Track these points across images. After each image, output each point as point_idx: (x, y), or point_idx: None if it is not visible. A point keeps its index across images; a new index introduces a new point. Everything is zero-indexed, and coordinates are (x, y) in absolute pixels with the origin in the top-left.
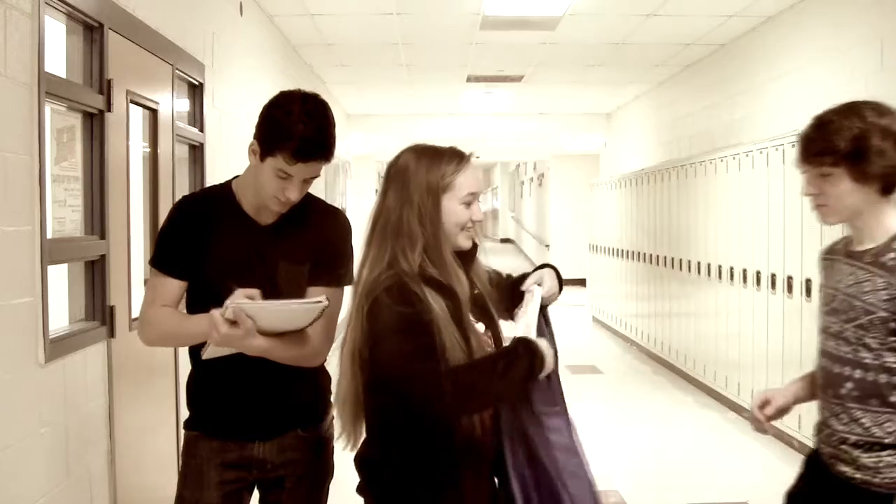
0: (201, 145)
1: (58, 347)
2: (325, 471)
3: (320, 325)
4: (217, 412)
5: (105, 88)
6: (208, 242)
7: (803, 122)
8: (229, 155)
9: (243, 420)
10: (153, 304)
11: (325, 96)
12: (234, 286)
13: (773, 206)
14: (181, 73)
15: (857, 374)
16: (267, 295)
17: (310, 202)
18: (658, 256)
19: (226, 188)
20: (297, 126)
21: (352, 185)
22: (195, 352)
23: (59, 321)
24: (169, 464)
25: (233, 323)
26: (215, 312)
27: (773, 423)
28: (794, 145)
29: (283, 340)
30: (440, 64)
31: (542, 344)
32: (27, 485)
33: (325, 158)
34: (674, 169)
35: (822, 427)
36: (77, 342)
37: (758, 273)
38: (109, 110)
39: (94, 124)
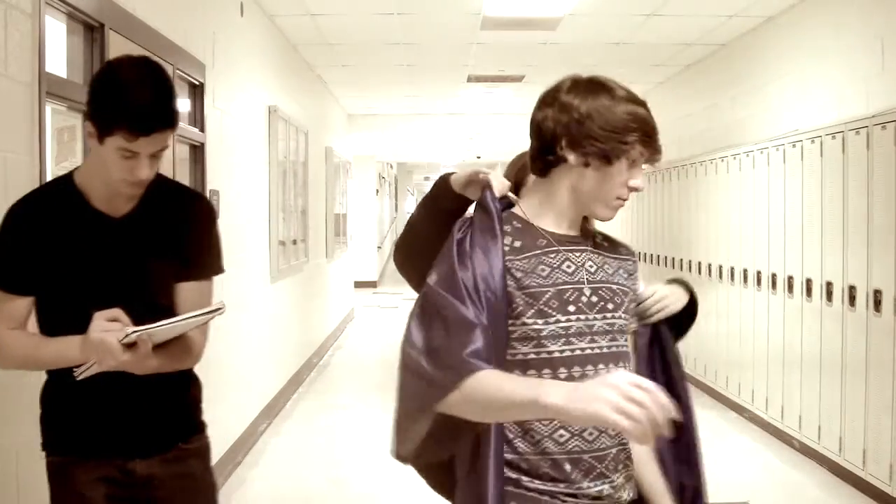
0: (202, 145)
1: None
2: (208, 483)
3: (199, 328)
4: (92, 431)
5: None
6: (57, 247)
7: (803, 122)
8: (230, 155)
9: (117, 437)
10: None
11: (325, 96)
12: (92, 310)
13: (773, 206)
14: (181, 73)
15: None
16: (135, 296)
17: (165, 186)
18: (658, 256)
19: (66, 183)
20: (130, 96)
21: (352, 184)
22: (59, 375)
23: None
24: None
25: (129, 346)
26: (111, 340)
27: (774, 423)
28: (794, 145)
29: (170, 352)
30: (441, 64)
31: None
32: (27, 485)
33: (170, 126)
34: (674, 169)
35: None
36: None
37: (758, 273)
38: None
39: None
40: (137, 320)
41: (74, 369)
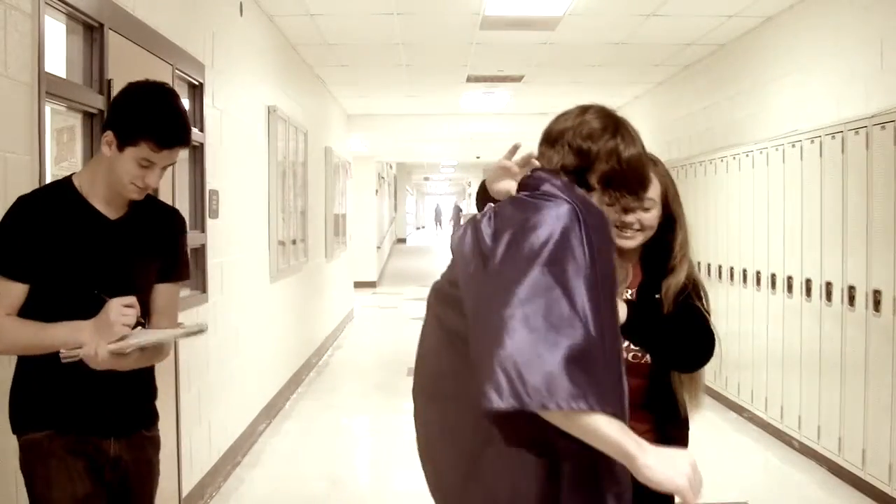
0: (201, 145)
1: None
2: (157, 473)
3: (169, 326)
4: (73, 408)
5: (105, 88)
6: (58, 239)
7: (803, 122)
8: (229, 155)
9: (99, 415)
10: None
11: (325, 96)
12: (105, 297)
13: (772, 206)
14: (181, 73)
15: None
16: (122, 291)
17: (150, 200)
18: None
19: (66, 185)
20: (161, 116)
21: (352, 184)
22: (43, 356)
23: None
24: (169, 463)
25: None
26: (102, 350)
27: (773, 423)
28: (794, 145)
29: (146, 354)
30: (440, 64)
31: None
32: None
33: (187, 144)
34: (674, 169)
35: None
36: None
37: (758, 273)
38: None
39: (94, 124)
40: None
41: (61, 351)
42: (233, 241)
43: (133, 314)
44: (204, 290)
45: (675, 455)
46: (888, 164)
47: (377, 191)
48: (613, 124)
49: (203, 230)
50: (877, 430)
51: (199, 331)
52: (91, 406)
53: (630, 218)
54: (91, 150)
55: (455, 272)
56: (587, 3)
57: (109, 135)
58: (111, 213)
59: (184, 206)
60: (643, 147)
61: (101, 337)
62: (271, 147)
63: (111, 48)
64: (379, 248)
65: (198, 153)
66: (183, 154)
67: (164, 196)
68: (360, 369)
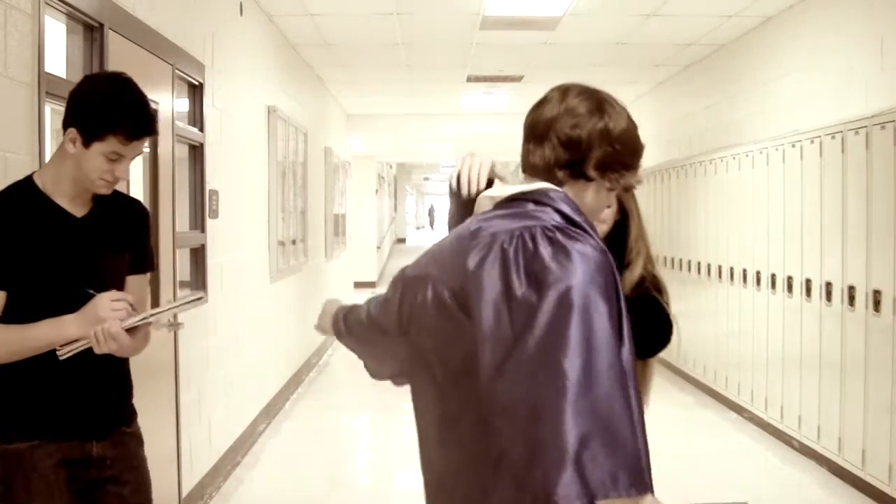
0: (201, 145)
1: None
2: (146, 466)
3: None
4: (57, 414)
5: None
6: (26, 242)
7: (803, 122)
8: (229, 155)
9: (82, 419)
10: None
11: (325, 96)
12: (91, 291)
13: (772, 206)
14: (181, 73)
15: None
16: (95, 287)
17: (114, 192)
18: (658, 256)
19: (28, 185)
20: (127, 108)
21: (351, 184)
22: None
23: None
24: (168, 463)
25: (128, 331)
26: (115, 328)
27: (773, 423)
28: (794, 145)
29: (137, 338)
30: (440, 64)
31: None
32: None
33: (155, 133)
34: (674, 169)
35: None
36: None
37: (758, 273)
38: None
39: None
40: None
41: (58, 349)
42: (232, 241)
43: (123, 307)
44: (204, 290)
45: None
46: (888, 164)
47: (377, 191)
48: (597, 103)
49: (203, 230)
50: (877, 430)
51: (198, 298)
52: (70, 409)
53: None
54: None
55: (458, 284)
56: (587, 3)
57: (73, 132)
58: (77, 210)
59: (184, 206)
60: (629, 116)
61: (99, 335)
62: (271, 147)
63: (111, 48)
64: (379, 248)
65: (198, 153)
66: (183, 153)
67: (165, 196)
68: (360, 369)
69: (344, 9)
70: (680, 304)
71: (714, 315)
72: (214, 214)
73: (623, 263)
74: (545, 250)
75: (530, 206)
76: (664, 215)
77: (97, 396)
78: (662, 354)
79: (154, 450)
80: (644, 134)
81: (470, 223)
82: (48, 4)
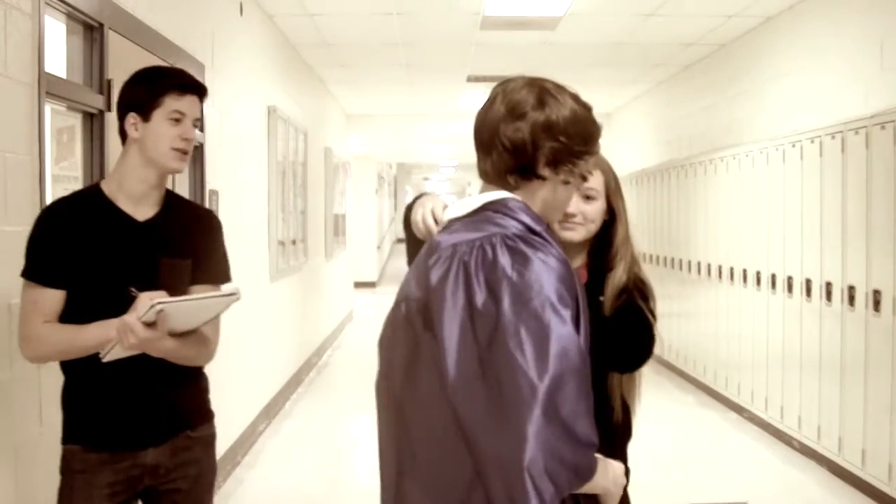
0: (201, 145)
1: None
2: (213, 470)
3: (212, 325)
4: (105, 423)
5: (105, 88)
6: (87, 246)
7: (803, 122)
8: (229, 155)
9: (134, 428)
10: (34, 320)
11: (325, 96)
12: (135, 291)
13: (772, 206)
14: None
15: None
16: (148, 290)
17: (179, 200)
18: (658, 256)
19: (94, 191)
20: (169, 70)
21: (351, 184)
22: (67, 365)
23: None
24: None
25: (148, 325)
26: (131, 318)
27: (773, 423)
28: (794, 145)
29: (187, 340)
30: (440, 64)
31: None
32: (27, 485)
33: (203, 94)
34: (674, 169)
35: None
36: None
37: (758, 273)
38: (109, 110)
39: (94, 124)
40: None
41: (100, 352)
42: (232, 241)
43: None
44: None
45: (610, 464)
46: (888, 164)
47: (377, 191)
48: (538, 96)
49: None
50: (877, 430)
51: (231, 294)
52: (126, 419)
53: (573, 208)
54: (91, 150)
55: (423, 300)
56: (587, 3)
57: (130, 117)
58: (140, 213)
59: None
60: (575, 100)
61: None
62: (271, 147)
63: (111, 48)
64: (379, 248)
65: (197, 153)
66: None
67: None
68: (360, 369)
69: (344, 9)
70: (680, 304)
71: (714, 315)
72: None
73: (607, 265)
74: (504, 259)
75: (490, 214)
76: (664, 215)
77: (150, 404)
78: (662, 354)
79: None
80: (644, 134)
81: (434, 237)
82: (48, 4)
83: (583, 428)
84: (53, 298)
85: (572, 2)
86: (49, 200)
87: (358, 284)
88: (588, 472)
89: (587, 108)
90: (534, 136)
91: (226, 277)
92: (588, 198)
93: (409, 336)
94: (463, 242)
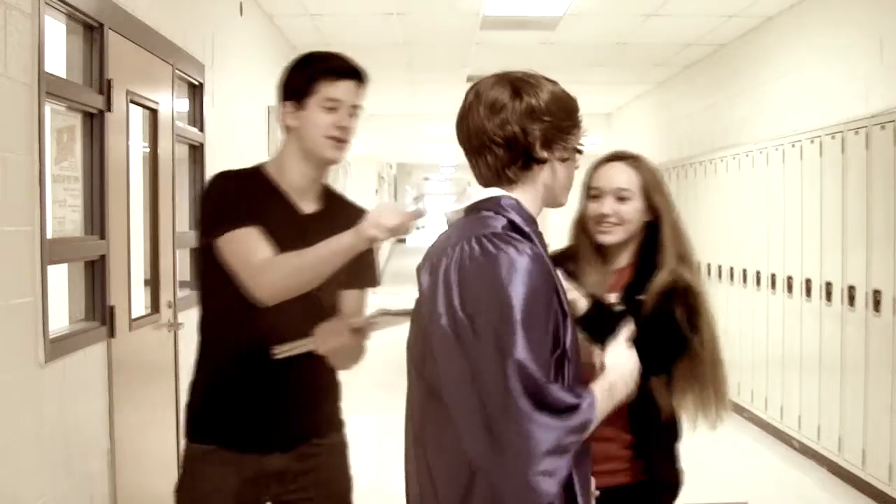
0: (201, 145)
1: (58, 347)
2: (347, 479)
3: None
4: (236, 422)
5: (105, 88)
6: (258, 219)
7: (803, 122)
8: (229, 155)
9: (264, 431)
10: (257, 252)
11: None
12: (275, 350)
13: (772, 206)
14: (181, 73)
15: None
16: (304, 292)
17: (341, 199)
18: None
19: (259, 171)
20: (326, 55)
21: (351, 184)
22: (208, 360)
23: (59, 321)
24: (169, 464)
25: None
26: (342, 322)
27: (773, 423)
28: (794, 145)
29: (358, 347)
30: (440, 64)
31: None
32: (27, 485)
33: (361, 79)
34: (674, 169)
35: None
36: (77, 342)
37: (758, 273)
38: (109, 110)
39: (94, 124)
40: (297, 312)
41: (275, 348)
42: None
43: (407, 217)
44: None
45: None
46: (888, 164)
47: (377, 191)
48: (512, 87)
49: None
50: (877, 430)
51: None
52: (257, 422)
53: (606, 209)
54: (91, 150)
55: (419, 299)
56: (587, 3)
57: (287, 105)
58: (302, 206)
59: (184, 206)
60: (546, 81)
61: (384, 220)
62: (271, 147)
63: (111, 48)
64: (379, 248)
65: (198, 153)
66: (183, 153)
67: (165, 196)
68: (360, 368)
69: (344, 9)
70: None
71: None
72: None
73: (656, 266)
74: (479, 259)
75: (483, 213)
76: None
77: (283, 409)
78: None
79: (154, 450)
80: (644, 134)
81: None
82: (48, 4)
83: (554, 401)
84: (259, 234)
85: (572, 2)
86: (49, 200)
87: None
88: (583, 427)
89: (557, 84)
90: (521, 125)
91: (374, 284)
92: (621, 199)
93: (420, 328)
94: (450, 245)
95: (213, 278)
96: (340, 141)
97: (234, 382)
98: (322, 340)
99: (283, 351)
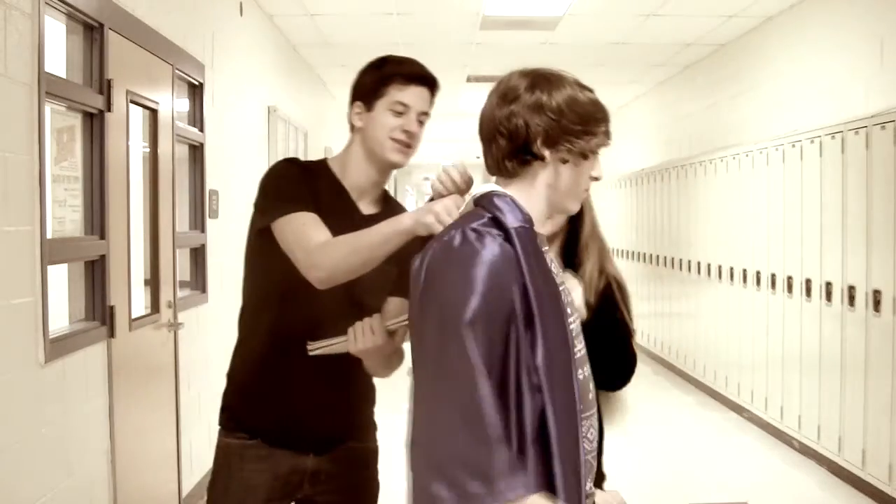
0: (201, 145)
1: (58, 347)
2: (375, 484)
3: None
4: (274, 418)
5: (105, 88)
6: (319, 209)
7: (803, 122)
8: (229, 155)
9: (301, 430)
10: (317, 233)
11: (325, 96)
12: (309, 345)
13: (772, 206)
14: (181, 73)
15: None
16: (353, 289)
17: (399, 205)
18: (658, 256)
19: (324, 165)
20: (397, 59)
21: None
22: (247, 350)
23: (59, 321)
24: (169, 463)
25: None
26: (377, 321)
27: (773, 423)
28: (794, 145)
29: (397, 353)
30: (440, 64)
31: None
32: (27, 485)
33: (433, 86)
34: (674, 169)
35: None
36: (77, 342)
37: (758, 273)
38: (109, 110)
39: (94, 124)
40: (343, 312)
41: (309, 343)
42: (233, 240)
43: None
44: (204, 290)
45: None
46: (888, 164)
47: None
48: (531, 81)
49: (203, 230)
50: (877, 430)
51: None
52: (288, 419)
53: None
54: (91, 150)
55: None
56: (587, 3)
57: (356, 105)
58: (362, 207)
59: (184, 206)
60: (572, 84)
61: (443, 213)
62: (271, 147)
63: (111, 48)
64: None
65: (198, 153)
66: (183, 153)
67: (165, 196)
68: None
69: (344, 9)
70: (680, 305)
71: (714, 315)
72: (214, 214)
73: (576, 261)
74: (449, 251)
75: (476, 209)
76: (664, 215)
77: (320, 411)
78: (663, 355)
79: (154, 450)
80: (644, 134)
81: None
82: (48, 4)
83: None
84: (319, 221)
85: (572, 2)
86: (49, 200)
87: None
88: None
89: (588, 90)
90: (525, 117)
91: None
92: None
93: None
94: (437, 238)
95: (260, 266)
96: (405, 145)
97: (272, 375)
98: (356, 338)
99: (318, 347)
